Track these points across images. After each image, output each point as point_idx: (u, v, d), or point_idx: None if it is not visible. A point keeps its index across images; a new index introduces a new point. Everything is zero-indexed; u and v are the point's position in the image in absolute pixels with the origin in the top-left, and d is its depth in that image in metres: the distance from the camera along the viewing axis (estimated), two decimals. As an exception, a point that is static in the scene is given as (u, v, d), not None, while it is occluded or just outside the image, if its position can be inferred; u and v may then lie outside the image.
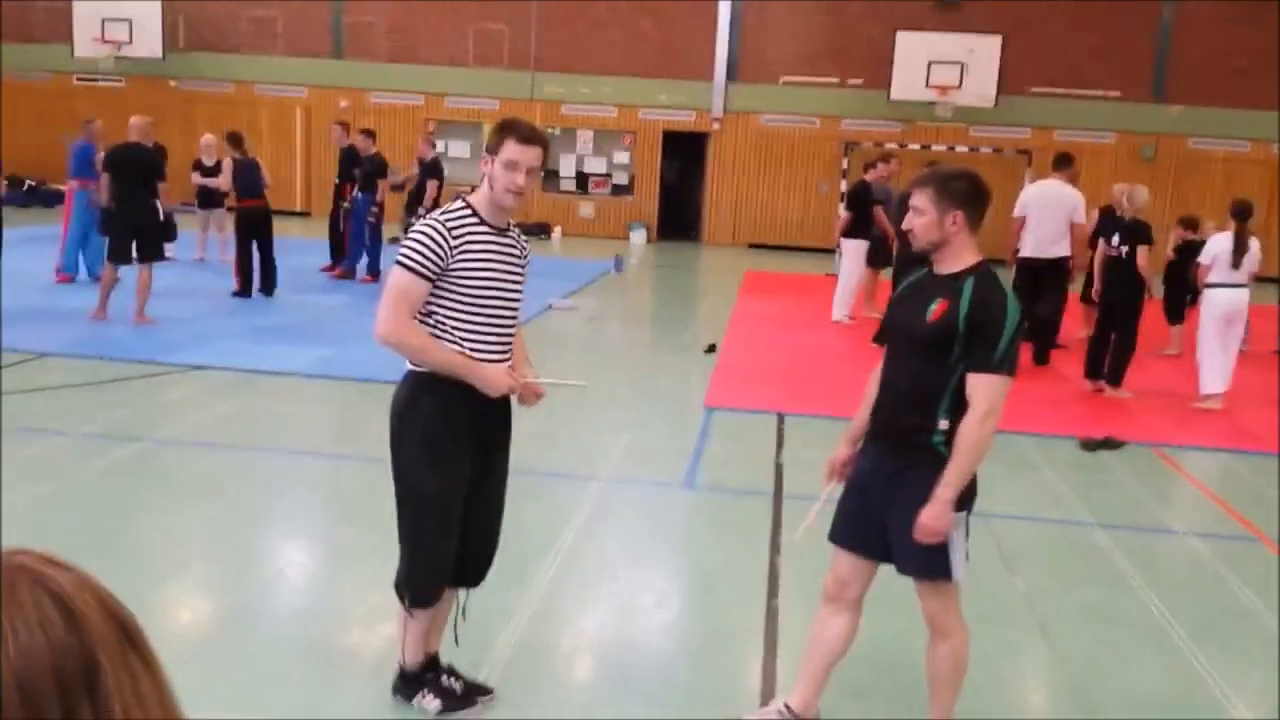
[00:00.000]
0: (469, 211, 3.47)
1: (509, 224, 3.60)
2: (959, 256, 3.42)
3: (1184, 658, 4.55)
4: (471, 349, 3.48)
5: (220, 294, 11.87)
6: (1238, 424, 8.71)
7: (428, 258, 3.37)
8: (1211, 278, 9.03)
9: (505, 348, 3.60)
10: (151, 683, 0.90)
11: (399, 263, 3.41)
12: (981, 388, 3.30)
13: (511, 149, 3.43)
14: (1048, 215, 10.07)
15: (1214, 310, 9.05)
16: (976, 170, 3.69)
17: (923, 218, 3.42)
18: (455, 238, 3.40)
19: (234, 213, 12.10)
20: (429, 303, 3.44)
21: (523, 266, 3.64)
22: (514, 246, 3.60)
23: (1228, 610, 5.12)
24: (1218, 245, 9.01)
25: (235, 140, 12.50)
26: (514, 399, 3.67)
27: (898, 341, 3.55)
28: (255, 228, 11.98)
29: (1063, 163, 10.58)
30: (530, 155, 3.44)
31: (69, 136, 13.53)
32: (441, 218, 3.44)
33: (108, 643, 0.87)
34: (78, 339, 9.31)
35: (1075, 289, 11.40)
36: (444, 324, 3.46)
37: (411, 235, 3.42)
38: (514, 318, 3.63)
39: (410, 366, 3.55)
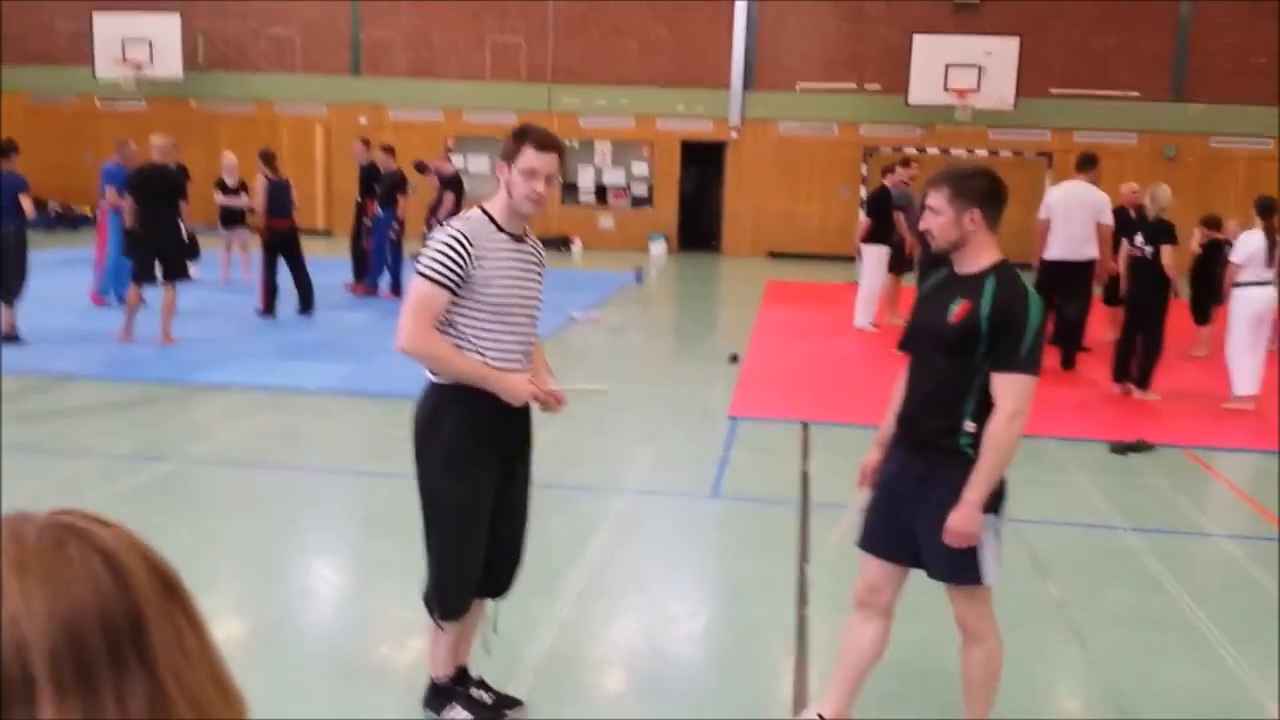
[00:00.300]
0: (487, 220, 3.47)
1: (526, 231, 3.60)
2: (979, 256, 3.39)
3: (1220, 659, 4.50)
4: (493, 358, 3.48)
5: (245, 313, 11.94)
6: (1269, 424, 8.62)
7: (449, 267, 3.37)
8: (1244, 276, 8.92)
9: (526, 354, 3.61)
10: (195, 637, 0.93)
11: (419, 273, 3.40)
12: (1007, 387, 3.27)
13: (530, 156, 3.43)
14: (1074, 217, 10.01)
15: (1247, 309, 8.95)
16: (993, 169, 3.67)
17: (940, 217, 3.39)
18: (475, 247, 3.40)
19: (261, 232, 12.16)
20: (449, 312, 3.44)
21: (540, 274, 3.65)
22: (532, 254, 3.60)
23: (1263, 611, 5.05)
24: (1252, 243, 8.91)
25: (268, 159, 12.57)
26: (535, 407, 3.67)
27: (921, 344, 3.52)
28: (284, 248, 12.05)
29: (1087, 164, 10.52)
30: (548, 162, 3.44)
31: (92, 157, 13.64)
32: (461, 227, 3.44)
33: (152, 598, 0.90)
34: (104, 360, 9.38)
35: (1097, 291, 11.32)
36: (465, 333, 3.45)
37: (431, 245, 3.42)
38: (533, 325, 3.63)
39: (431, 378, 3.54)
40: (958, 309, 3.34)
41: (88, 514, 0.93)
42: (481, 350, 3.47)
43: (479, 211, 3.51)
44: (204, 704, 0.92)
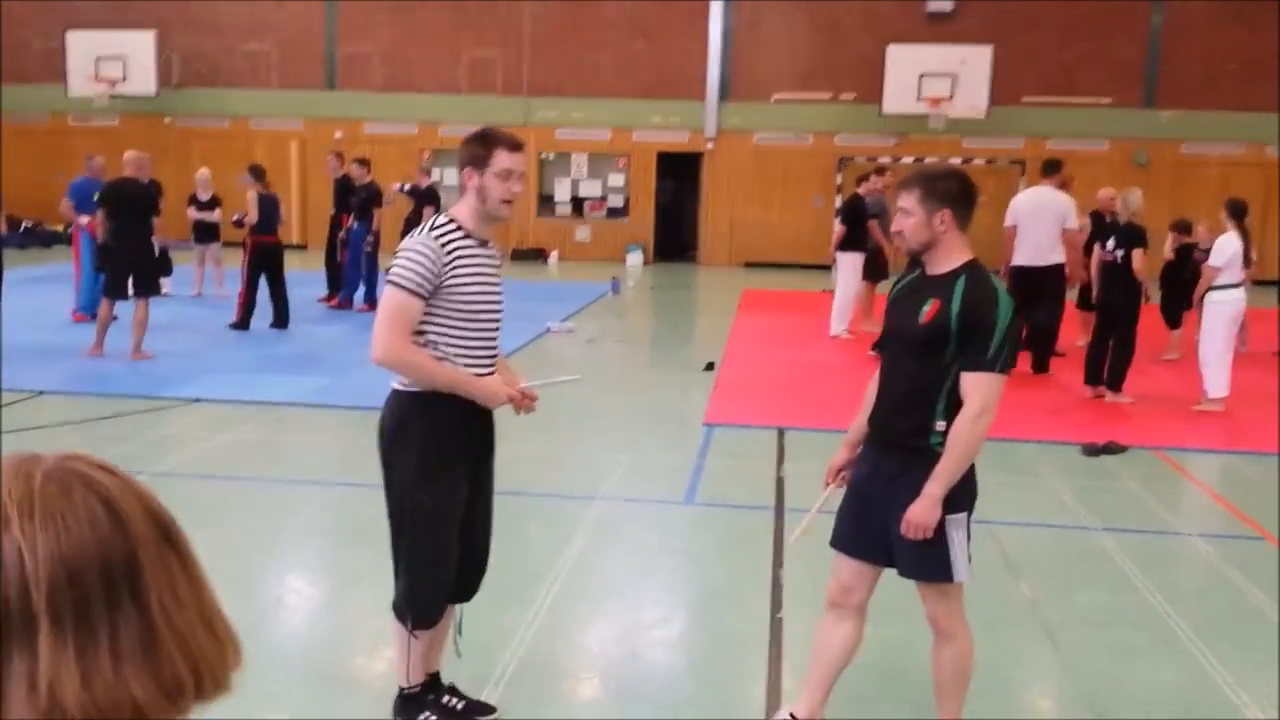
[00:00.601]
0: (455, 226, 3.47)
1: (489, 236, 3.61)
2: (949, 256, 3.41)
3: (1194, 658, 4.51)
4: (465, 363, 3.48)
5: (217, 328, 11.87)
6: (1240, 425, 8.69)
7: (421, 275, 3.37)
8: (1223, 279, 8.97)
9: (494, 358, 3.62)
10: (188, 583, 1.00)
11: (392, 283, 3.40)
12: (975, 386, 3.29)
13: (505, 158, 3.44)
14: (1040, 222, 10.07)
15: (1226, 312, 9.00)
16: (963, 170, 3.69)
17: (910, 219, 3.42)
18: (447, 254, 3.40)
19: (247, 246, 12.09)
20: (421, 320, 3.44)
21: (501, 278, 3.67)
22: (494, 259, 3.62)
23: (1236, 610, 5.08)
24: (1230, 246, 8.96)
25: (258, 173, 12.53)
26: (503, 409, 3.66)
27: (893, 344, 3.54)
28: (269, 263, 12.00)
29: (1051, 169, 10.62)
30: (521, 161, 3.49)
31: (64, 175, 13.57)
32: (430, 235, 3.43)
33: (148, 543, 0.98)
34: (75, 376, 9.31)
35: (1071, 296, 11.41)
36: (436, 341, 3.45)
37: (402, 255, 3.41)
38: (499, 328, 3.64)
39: (396, 387, 3.54)
40: (928, 309, 3.35)
41: (93, 460, 1.01)
42: (454, 357, 3.46)
43: (446, 218, 3.51)
44: (193, 645, 0.98)
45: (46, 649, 0.91)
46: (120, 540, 0.96)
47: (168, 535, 1.01)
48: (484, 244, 3.54)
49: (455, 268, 3.41)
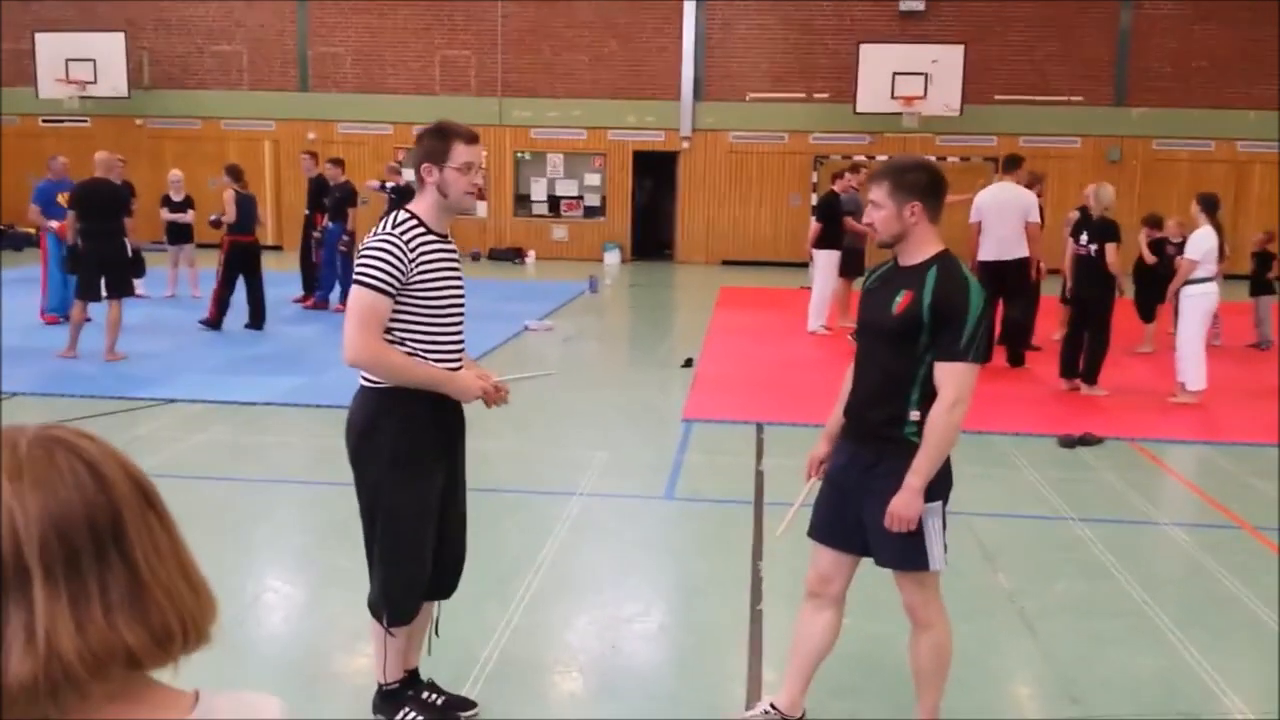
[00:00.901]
0: (417, 223, 3.45)
1: (448, 232, 3.59)
2: (921, 247, 3.42)
3: (1171, 646, 4.54)
4: (435, 359, 3.47)
5: (191, 329, 11.77)
6: (1215, 417, 8.76)
7: (389, 273, 3.34)
8: (1199, 273, 9.02)
9: (461, 353, 3.60)
10: (167, 538, 1.08)
11: (359, 282, 3.36)
12: (949, 375, 3.30)
13: (463, 151, 3.44)
14: (1003, 217, 10.15)
15: (1205, 305, 9.04)
16: (932, 162, 3.70)
17: (881, 211, 3.44)
18: (412, 250, 3.38)
19: (224, 246, 12.00)
20: (389, 319, 3.41)
21: (461, 272, 3.65)
22: (456, 253, 3.60)
23: (1212, 597, 5.12)
24: (1206, 240, 9.01)
25: (235, 173, 12.43)
26: (469, 405, 3.64)
27: (867, 335, 3.55)
28: (246, 263, 11.91)
29: (1011, 164, 10.72)
30: (479, 153, 3.49)
31: (35, 178, 13.43)
32: (395, 232, 3.40)
33: (130, 502, 1.05)
34: (48, 377, 9.21)
35: (1053, 291, 11.47)
36: (404, 338, 3.43)
37: (366, 254, 3.38)
38: (463, 322, 3.62)
39: (364, 384, 3.51)
40: (901, 300, 3.37)
41: (73, 429, 1.08)
42: (423, 353, 3.44)
43: (407, 214, 3.48)
44: (175, 594, 1.06)
45: (42, 602, 0.98)
46: (104, 500, 1.03)
47: (147, 496, 1.08)
48: (444, 238, 3.52)
49: (420, 264, 3.39)
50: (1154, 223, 11.83)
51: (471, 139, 3.49)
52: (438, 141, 3.46)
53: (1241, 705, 4.06)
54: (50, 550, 0.99)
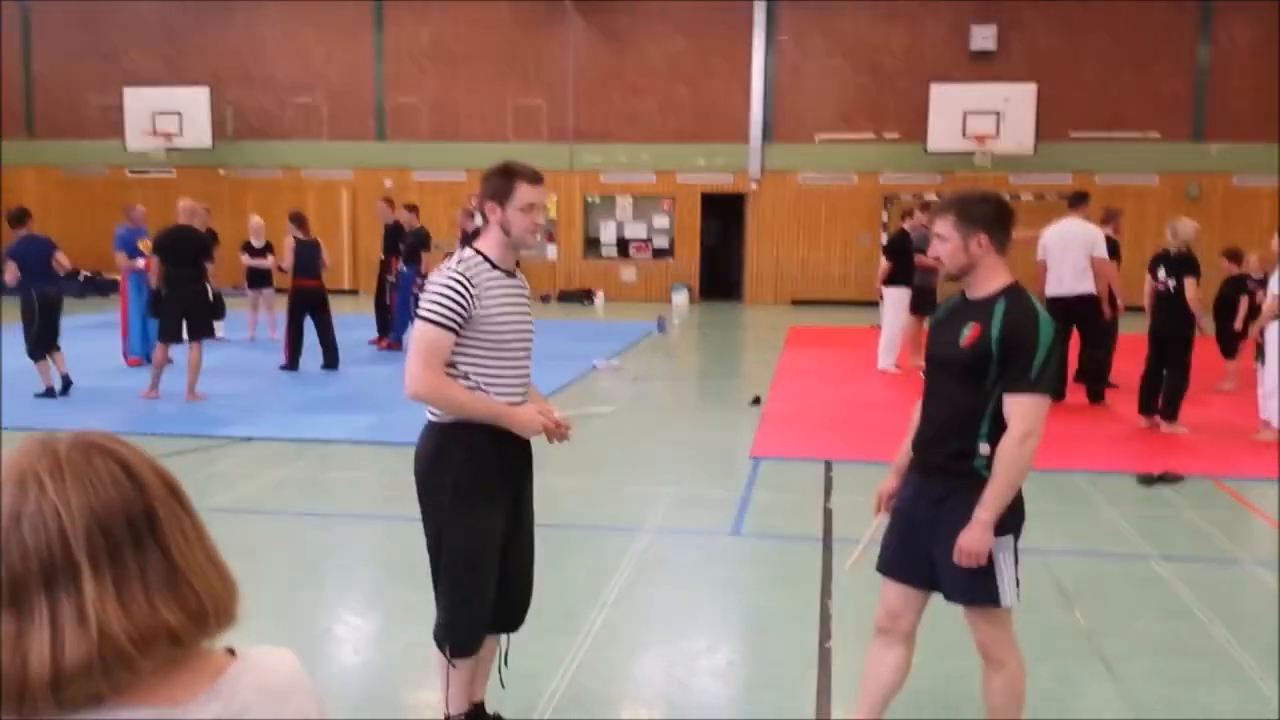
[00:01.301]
0: (481, 259, 3.51)
1: (516, 266, 3.65)
2: (989, 280, 3.40)
3: (1256, 688, 4.39)
4: (498, 393, 3.51)
5: (270, 370, 12.05)
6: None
7: (451, 309, 3.40)
8: None
9: (526, 388, 3.64)
10: (194, 529, 1.21)
11: (422, 317, 3.43)
12: (1018, 408, 3.25)
13: (526, 191, 3.50)
14: (1068, 254, 10.02)
15: None
16: (999, 193, 3.68)
17: (947, 244, 3.42)
18: (475, 286, 3.44)
19: (290, 291, 12.31)
20: (452, 353, 3.47)
21: (529, 307, 3.70)
22: (523, 289, 3.66)
23: (1299, 638, 4.94)
24: None
25: (298, 220, 12.76)
26: (540, 439, 3.67)
27: (935, 368, 3.52)
28: (311, 307, 12.19)
29: (1077, 201, 10.62)
30: (542, 194, 3.56)
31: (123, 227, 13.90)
32: (459, 269, 3.47)
33: (162, 497, 1.18)
34: (131, 418, 9.47)
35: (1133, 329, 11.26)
36: (468, 373, 3.48)
37: (431, 290, 3.45)
38: (529, 359, 3.66)
39: (430, 418, 3.56)
40: (969, 333, 3.34)
41: (106, 434, 1.21)
42: (485, 388, 3.49)
43: (472, 251, 3.55)
44: (205, 577, 1.18)
45: (91, 590, 1.09)
46: (139, 495, 1.15)
47: (174, 491, 1.20)
48: (510, 274, 3.58)
49: (484, 300, 3.44)
50: (1234, 257, 11.57)
51: (535, 179, 3.56)
52: (502, 181, 3.53)
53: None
54: (95, 543, 1.10)
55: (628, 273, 22.53)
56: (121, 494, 1.13)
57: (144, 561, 1.13)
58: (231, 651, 1.22)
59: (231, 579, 1.22)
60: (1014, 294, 3.36)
